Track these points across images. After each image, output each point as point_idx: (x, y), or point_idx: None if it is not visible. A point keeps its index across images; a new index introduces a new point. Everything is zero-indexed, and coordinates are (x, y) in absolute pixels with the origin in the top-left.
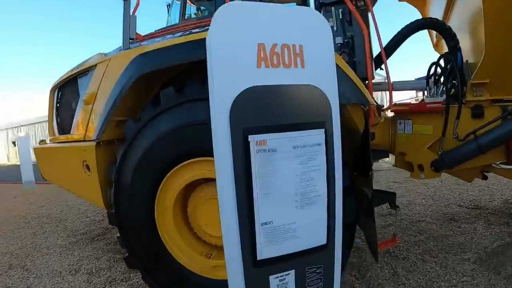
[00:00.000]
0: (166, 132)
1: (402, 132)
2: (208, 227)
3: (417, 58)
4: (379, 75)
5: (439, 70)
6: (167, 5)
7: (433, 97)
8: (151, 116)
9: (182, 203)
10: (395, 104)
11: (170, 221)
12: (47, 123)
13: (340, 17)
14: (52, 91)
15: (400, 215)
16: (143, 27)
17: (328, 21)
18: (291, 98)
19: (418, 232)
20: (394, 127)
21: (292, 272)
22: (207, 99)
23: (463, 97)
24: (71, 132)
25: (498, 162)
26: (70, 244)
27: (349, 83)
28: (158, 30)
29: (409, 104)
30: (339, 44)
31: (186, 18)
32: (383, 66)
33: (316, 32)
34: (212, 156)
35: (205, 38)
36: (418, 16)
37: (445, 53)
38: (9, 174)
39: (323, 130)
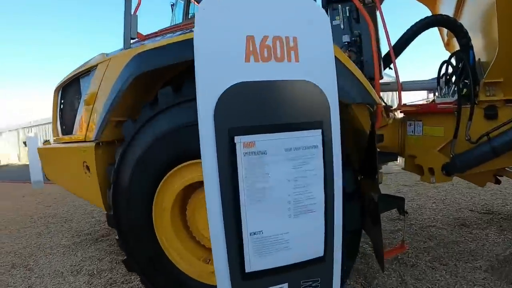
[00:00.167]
0: (164, 133)
1: (412, 134)
2: (207, 231)
3: (424, 59)
4: (388, 76)
5: (450, 69)
6: (171, 5)
7: (444, 97)
8: (149, 116)
9: (181, 205)
10: (405, 105)
11: (168, 223)
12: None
13: (347, 14)
14: (56, 91)
15: (410, 220)
16: (149, 27)
17: (335, 19)
18: (283, 96)
19: (428, 238)
20: (403, 129)
21: (285, 286)
22: None
23: (476, 97)
24: (73, 132)
25: None
26: (74, 244)
27: (354, 81)
28: (161, 29)
29: (419, 104)
30: (346, 43)
31: (189, 17)
32: (392, 66)
33: (312, 23)
34: None
35: None
36: (428, 14)
37: (456, 51)
38: (20, 173)
39: (320, 131)
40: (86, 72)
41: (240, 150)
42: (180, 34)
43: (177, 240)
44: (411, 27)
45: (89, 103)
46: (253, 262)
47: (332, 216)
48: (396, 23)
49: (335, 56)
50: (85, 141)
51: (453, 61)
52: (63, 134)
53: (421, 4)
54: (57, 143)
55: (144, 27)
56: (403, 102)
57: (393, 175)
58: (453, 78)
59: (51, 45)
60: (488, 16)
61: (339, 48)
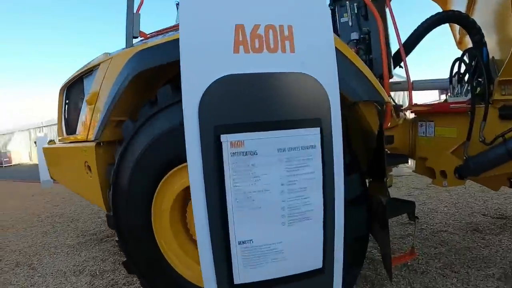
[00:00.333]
0: (163, 132)
1: (423, 135)
2: None
3: (433, 59)
4: (398, 76)
5: (463, 67)
6: (176, 4)
7: (457, 96)
8: (149, 115)
9: (181, 207)
10: (416, 105)
11: (167, 225)
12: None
13: (355, 11)
14: (61, 91)
15: (421, 224)
16: (154, 27)
17: (343, 16)
18: (276, 90)
19: (439, 243)
20: (414, 130)
21: None
22: None
23: (490, 96)
24: (76, 132)
25: None
26: (79, 244)
27: (360, 78)
28: (165, 28)
29: (431, 104)
30: (355, 40)
31: None
32: (402, 64)
33: (309, 10)
34: None
35: None
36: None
37: (469, 48)
38: (31, 173)
39: (318, 129)
40: (89, 71)
41: (227, 150)
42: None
43: (176, 243)
44: (422, 23)
45: (91, 102)
46: (243, 274)
47: (332, 224)
48: (406, 21)
49: (340, 51)
50: (87, 141)
51: (466, 59)
52: (67, 134)
53: (432, 1)
54: (61, 143)
55: (150, 26)
56: (414, 102)
57: (404, 178)
58: (466, 77)
59: (50, 44)
60: (502, 12)
61: (346, 44)
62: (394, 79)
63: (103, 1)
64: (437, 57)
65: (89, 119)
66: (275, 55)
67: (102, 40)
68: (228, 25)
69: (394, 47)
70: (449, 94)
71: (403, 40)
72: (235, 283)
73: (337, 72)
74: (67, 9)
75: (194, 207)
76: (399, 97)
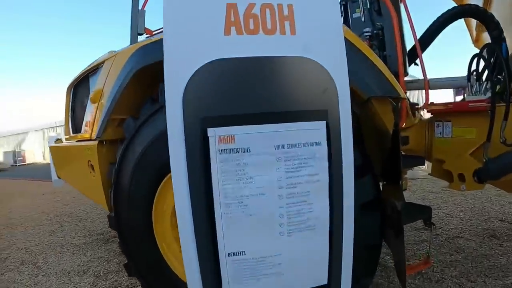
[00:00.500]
0: (165, 130)
1: (440, 136)
2: None
3: (443, 58)
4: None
5: (481, 64)
6: None
7: (476, 95)
8: (150, 113)
9: None
10: (432, 104)
11: (168, 227)
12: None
13: (368, 6)
14: (68, 89)
15: (436, 229)
16: (160, 24)
17: (355, 12)
18: (274, 76)
19: (455, 250)
20: (430, 130)
21: None
22: None
23: (511, 94)
24: (82, 131)
25: None
26: (85, 244)
27: (374, 72)
28: None
29: (448, 103)
30: (368, 36)
31: None
32: (417, 62)
33: None
34: None
35: None
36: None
37: (488, 43)
38: (44, 172)
39: (324, 123)
40: (94, 69)
41: (214, 146)
42: None
43: (177, 245)
44: (437, 18)
45: (94, 100)
46: None
47: (340, 234)
48: (418, 18)
49: (353, 43)
50: (90, 140)
51: (485, 55)
52: (73, 132)
53: None
54: (67, 142)
55: (155, 23)
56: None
57: (418, 181)
58: (485, 74)
59: (46, 45)
60: None
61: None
62: (407, 78)
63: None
64: (448, 55)
65: (92, 118)
66: (273, 38)
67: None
68: (218, 4)
69: (408, 43)
70: (466, 93)
71: (418, 36)
72: None
73: (345, 57)
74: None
75: (178, 213)
76: (413, 97)
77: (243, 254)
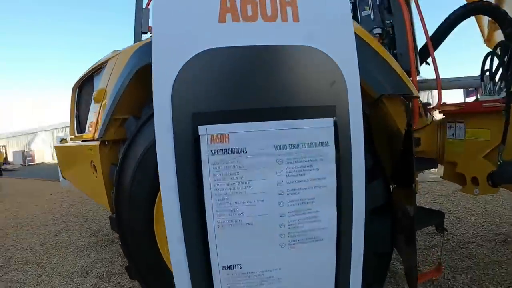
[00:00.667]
0: None
1: (453, 138)
2: None
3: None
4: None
5: (495, 63)
6: None
7: (489, 95)
8: (152, 112)
9: None
10: (444, 104)
11: None
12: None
13: (377, 3)
14: (73, 89)
15: (447, 234)
16: None
17: (364, 10)
18: (274, 67)
19: (467, 256)
20: (442, 131)
21: None
22: None
23: None
24: (86, 131)
25: None
26: (89, 245)
27: (385, 68)
28: None
29: (461, 103)
30: (378, 35)
31: None
32: (429, 60)
33: None
34: None
35: None
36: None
37: (502, 41)
38: (53, 172)
39: (331, 120)
40: (98, 69)
41: (206, 146)
42: None
43: None
44: (449, 16)
45: (98, 100)
46: None
47: (349, 247)
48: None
49: (362, 38)
50: (93, 140)
51: (498, 53)
52: (77, 132)
53: None
54: (71, 142)
55: None
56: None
57: (428, 184)
58: (499, 73)
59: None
60: None
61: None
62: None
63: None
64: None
65: (96, 117)
66: (273, 25)
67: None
68: None
69: (419, 42)
70: (480, 92)
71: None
72: None
73: (355, 47)
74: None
75: (166, 220)
76: (423, 97)
77: (239, 267)
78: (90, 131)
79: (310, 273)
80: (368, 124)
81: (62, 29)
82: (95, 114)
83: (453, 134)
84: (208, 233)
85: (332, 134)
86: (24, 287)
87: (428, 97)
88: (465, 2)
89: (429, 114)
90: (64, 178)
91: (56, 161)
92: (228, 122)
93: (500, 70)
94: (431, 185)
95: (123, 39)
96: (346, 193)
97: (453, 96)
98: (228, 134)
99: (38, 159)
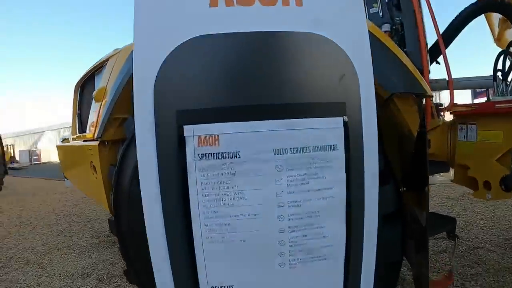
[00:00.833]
0: None
1: (464, 140)
2: None
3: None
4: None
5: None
6: None
7: (502, 95)
8: None
9: None
10: (456, 105)
11: None
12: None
13: (386, 0)
14: (76, 88)
15: (457, 240)
16: None
17: (372, 7)
18: (274, 57)
19: (476, 262)
20: (453, 133)
21: None
22: None
23: None
24: (87, 130)
25: None
26: (91, 245)
27: (397, 65)
28: None
29: (474, 104)
30: (386, 32)
31: None
32: (439, 60)
33: None
34: None
35: None
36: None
37: None
38: (59, 171)
39: (340, 119)
40: (99, 67)
41: (192, 149)
42: None
43: None
44: (460, 13)
45: (98, 99)
46: None
47: (359, 267)
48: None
49: (371, 32)
50: (93, 140)
51: None
52: (79, 132)
53: None
54: (73, 142)
55: None
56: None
57: (436, 187)
58: None
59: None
60: None
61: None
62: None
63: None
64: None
65: (96, 117)
66: (273, 9)
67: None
68: None
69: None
70: (492, 93)
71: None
72: None
73: (368, 35)
74: None
75: (149, 234)
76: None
77: None
78: (91, 131)
79: None
80: (378, 124)
81: (62, 28)
82: (96, 114)
83: (464, 136)
84: (196, 249)
85: (341, 136)
86: None
87: (435, 98)
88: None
89: (441, 115)
90: (66, 178)
91: None
92: (218, 121)
93: None
94: (438, 188)
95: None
96: (356, 205)
97: (460, 97)
98: (218, 136)
99: (44, 158)
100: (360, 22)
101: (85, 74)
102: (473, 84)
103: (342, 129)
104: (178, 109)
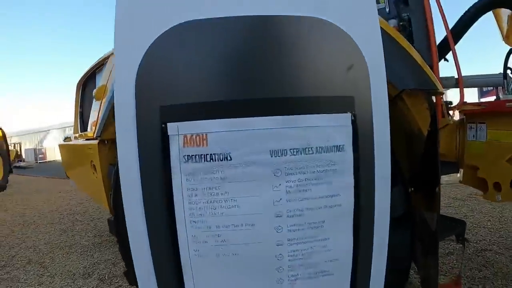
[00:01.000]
0: None
1: (473, 139)
2: None
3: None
4: None
5: None
6: None
7: None
8: None
9: None
10: (466, 103)
11: None
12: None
13: None
14: (77, 86)
15: (467, 244)
16: None
17: (379, 2)
18: (271, 45)
19: (483, 265)
20: (462, 133)
21: None
22: None
23: None
24: (88, 129)
25: None
26: (93, 245)
27: (407, 60)
28: None
29: (483, 102)
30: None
31: None
32: (448, 57)
33: None
34: None
35: None
36: None
37: None
38: (63, 170)
39: (348, 116)
40: (100, 65)
41: (177, 150)
42: None
43: None
44: (469, 9)
45: (98, 97)
46: None
47: (367, 283)
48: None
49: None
50: (93, 139)
51: None
52: (81, 130)
53: None
54: (74, 141)
55: None
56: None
57: (442, 187)
58: None
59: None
60: None
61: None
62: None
63: None
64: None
65: (96, 115)
66: None
67: None
68: None
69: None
70: (502, 91)
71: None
72: None
73: (378, 21)
74: None
75: (132, 245)
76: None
77: None
78: (92, 129)
79: None
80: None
81: (66, 29)
82: (96, 112)
83: (473, 136)
84: (182, 264)
85: (349, 135)
86: (25, 287)
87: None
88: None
89: (450, 114)
90: (67, 177)
91: None
92: (206, 117)
93: None
94: (445, 188)
95: None
96: (366, 214)
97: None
98: (206, 134)
99: (49, 157)
100: (370, 6)
101: (87, 72)
102: (481, 82)
103: (350, 127)
104: (162, 105)
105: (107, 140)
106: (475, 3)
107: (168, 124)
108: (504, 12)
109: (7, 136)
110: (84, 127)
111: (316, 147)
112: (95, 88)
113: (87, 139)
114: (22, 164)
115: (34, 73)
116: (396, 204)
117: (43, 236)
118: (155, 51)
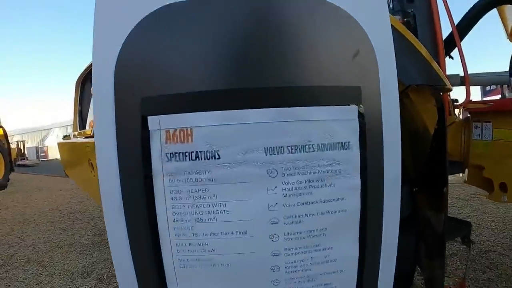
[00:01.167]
0: None
1: (479, 139)
2: None
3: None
4: None
5: None
6: None
7: None
8: None
9: None
10: (471, 101)
11: None
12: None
13: None
14: (76, 84)
15: (472, 246)
16: None
17: None
18: (269, 29)
19: (487, 266)
20: (467, 132)
21: None
22: None
23: None
24: (87, 127)
25: None
26: (93, 244)
27: (414, 55)
28: None
29: (489, 101)
30: None
31: None
32: (452, 54)
33: None
34: None
35: None
36: None
37: None
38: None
39: (354, 108)
40: None
41: (158, 146)
42: None
43: None
44: (474, 5)
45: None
46: None
47: None
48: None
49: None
50: (91, 137)
51: None
52: (80, 128)
53: None
54: (73, 139)
55: None
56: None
57: None
58: None
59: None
60: None
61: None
62: None
63: None
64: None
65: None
66: None
67: None
68: None
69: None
70: (508, 89)
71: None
72: None
73: (386, 5)
74: None
75: (113, 253)
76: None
77: None
78: (90, 127)
79: None
80: None
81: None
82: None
83: (479, 135)
84: (166, 275)
85: (356, 131)
86: (23, 287)
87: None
88: None
89: (456, 112)
90: (66, 176)
91: None
92: (192, 110)
93: None
94: (449, 187)
95: None
96: (373, 220)
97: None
98: (191, 129)
99: (51, 155)
100: None
101: (85, 70)
102: (487, 80)
103: (357, 121)
104: (143, 96)
105: None
106: (480, 0)
107: (149, 118)
108: (509, 9)
109: (8, 134)
110: (83, 125)
111: (318, 144)
112: None
113: (85, 137)
114: (27, 162)
115: (34, 73)
116: (402, 205)
117: (42, 234)
118: (137, 36)
